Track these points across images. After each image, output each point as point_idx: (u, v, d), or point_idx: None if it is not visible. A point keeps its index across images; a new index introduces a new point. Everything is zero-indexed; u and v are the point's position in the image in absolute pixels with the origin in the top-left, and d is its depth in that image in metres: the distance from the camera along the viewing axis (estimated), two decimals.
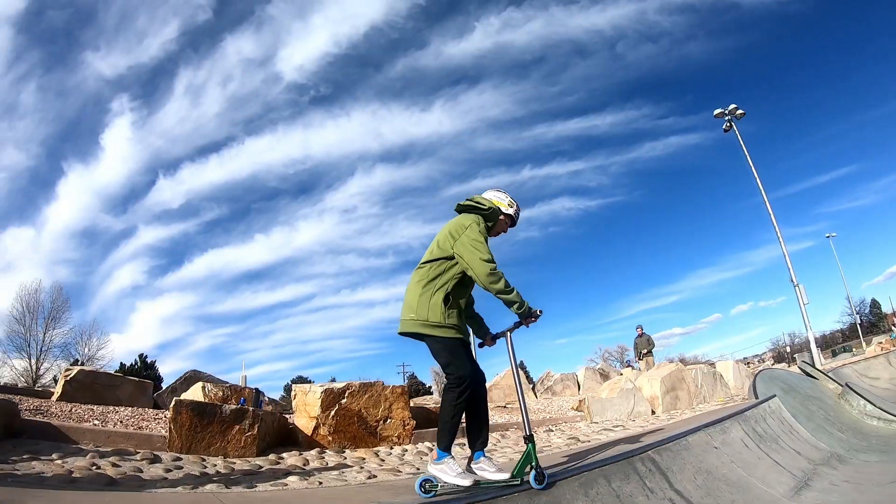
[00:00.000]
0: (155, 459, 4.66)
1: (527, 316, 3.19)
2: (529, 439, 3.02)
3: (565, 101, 67.84)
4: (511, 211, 3.42)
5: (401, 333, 3.23)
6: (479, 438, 3.26)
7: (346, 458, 5.85)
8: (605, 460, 3.72)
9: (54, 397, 8.33)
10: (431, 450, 6.41)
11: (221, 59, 53.36)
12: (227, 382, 11.09)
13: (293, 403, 7.04)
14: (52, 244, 45.85)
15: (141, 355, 35.44)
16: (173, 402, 5.41)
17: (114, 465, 4.16)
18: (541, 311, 3.22)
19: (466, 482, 2.91)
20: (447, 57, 61.05)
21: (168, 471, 4.28)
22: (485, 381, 3.43)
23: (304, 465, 5.31)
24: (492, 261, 3.07)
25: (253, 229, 61.01)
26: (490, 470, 3.08)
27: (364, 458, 5.85)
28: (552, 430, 8.21)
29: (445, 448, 3.03)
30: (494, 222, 3.39)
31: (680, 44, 64.03)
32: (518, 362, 3.49)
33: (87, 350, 30.62)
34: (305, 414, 6.72)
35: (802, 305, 18.11)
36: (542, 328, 71.87)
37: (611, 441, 5.78)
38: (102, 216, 49.86)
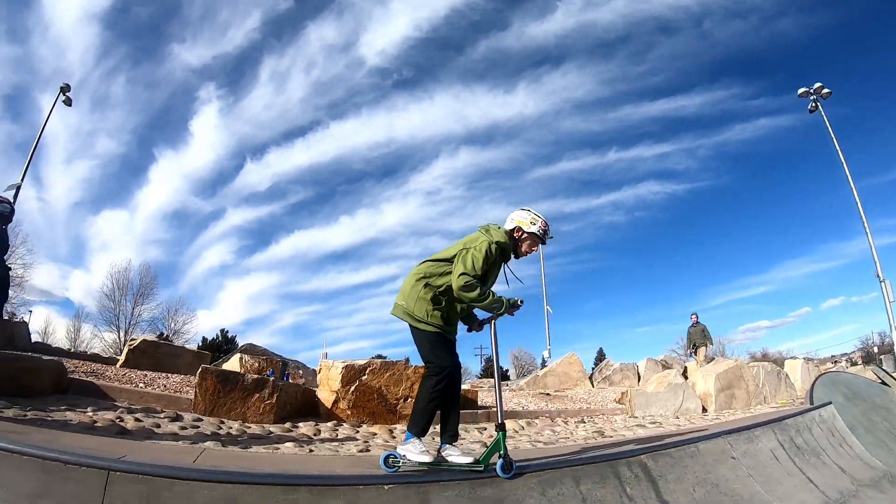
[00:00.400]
0: (176, 418, 5.28)
1: (509, 309, 3.37)
2: (500, 427, 3.18)
3: (651, 81, 64.76)
4: (534, 228, 3.47)
5: (392, 314, 3.50)
6: (449, 429, 3.42)
7: (358, 432, 6.26)
8: (584, 459, 3.67)
9: (119, 364, 9.45)
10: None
11: (304, 46, 55.95)
12: (279, 356, 12.01)
13: (318, 377, 7.58)
14: (144, 226, 50.70)
15: (222, 330, 38.54)
16: (200, 369, 6.07)
17: (136, 419, 4.80)
18: (521, 302, 3.40)
19: (427, 458, 3.13)
20: (529, 38, 60.34)
21: (183, 428, 4.86)
22: (460, 374, 3.63)
23: (315, 434, 5.77)
24: (471, 275, 3.23)
25: (338, 211, 64.29)
26: (455, 454, 3.25)
27: (375, 434, 6.23)
28: (583, 422, 8.20)
29: (417, 433, 3.25)
30: (506, 247, 3.46)
31: (770, 20, 58.87)
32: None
33: (173, 325, 33.96)
34: (328, 388, 7.23)
35: (888, 303, 16.67)
36: (624, 315, 69.96)
37: (631, 438, 5.68)
38: (192, 199, 54.58)
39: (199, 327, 38.43)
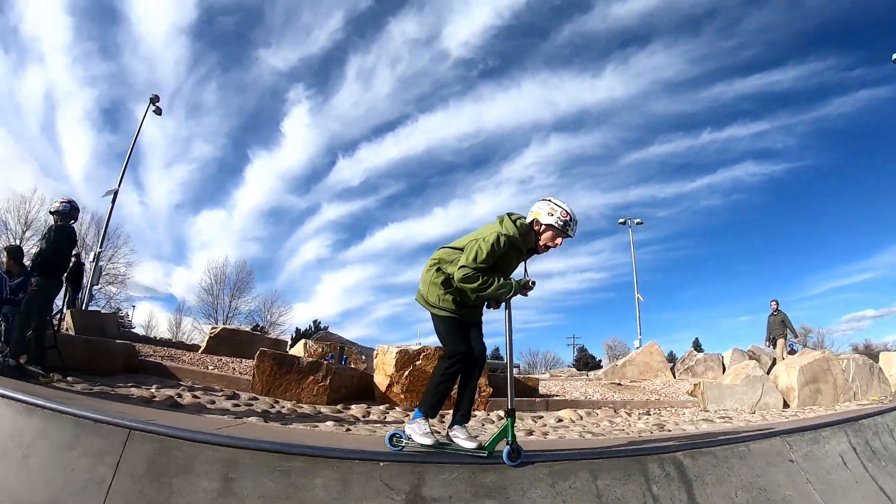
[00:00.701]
0: (233, 396, 5.79)
1: (521, 290, 3.35)
2: (510, 413, 3.16)
3: (742, 55, 59.95)
4: (552, 220, 3.29)
5: (416, 300, 3.60)
6: (461, 409, 3.45)
7: (408, 416, 6.48)
8: (608, 452, 3.50)
9: (200, 350, 10.39)
10: (501, 418, 6.86)
11: (388, 42, 57.67)
12: (355, 343, 12.64)
13: (374, 362, 7.93)
14: (242, 224, 54.82)
15: (315, 321, 41.16)
16: (258, 352, 6.58)
17: (193, 396, 5.33)
18: (533, 283, 3.38)
19: (428, 441, 3.16)
20: (613, 18, 58.25)
21: (236, 405, 5.32)
22: (483, 360, 3.57)
23: (364, 416, 6.07)
24: (471, 268, 3.21)
25: (431, 203, 66.03)
26: (461, 437, 3.26)
27: None
28: (648, 414, 7.91)
29: (425, 412, 3.29)
30: (515, 241, 3.33)
31: None
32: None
33: (269, 317, 36.76)
34: (382, 372, 7.55)
35: None
36: (722, 304, 66.05)
37: (688, 434, 5.36)
38: (287, 196, 58.20)
39: (296, 319, 41.42)
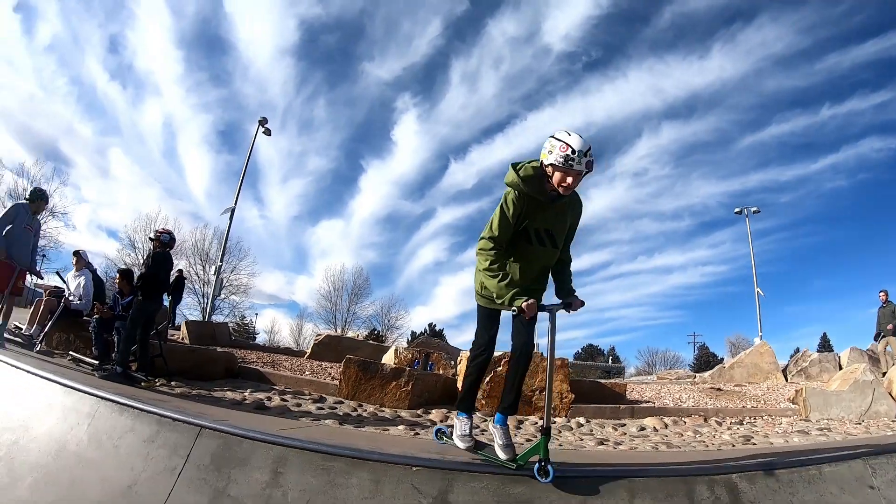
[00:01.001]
0: (319, 400, 6.34)
1: (506, 307, 3.04)
2: (545, 432, 3.00)
3: (855, 20, 53.19)
4: (552, 158, 2.92)
5: None
6: (503, 402, 3.36)
7: (485, 421, 6.65)
8: (653, 471, 3.32)
9: (305, 356, 11.33)
10: (581, 425, 6.80)
11: (489, 43, 58.78)
12: (458, 350, 13.06)
13: (458, 368, 8.18)
14: (360, 231, 58.62)
15: (430, 324, 42.95)
16: (345, 359, 7.11)
17: (281, 399, 5.93)
18: (523, 310, 2.89)
19: (462, 444, 3.24)
20: None
21: (319, 409, 5.84)
22: (524, 354, 3.32)
23: (441, 420, 6.33)
24: (487, 238, 3.05)
25: None
26: (498, 443, 3.16)
27: None
28: (740, 424, 7.29)
29: (463, 410, 3.37)
30: (521, 190, 3.04)
31: None
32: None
33: (386, 321, 38.85)
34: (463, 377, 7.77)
35: None
36: (855, 295, 58.54)
37: (774, 449, 4.93)
38: (402, 202, 61.33)
39: (413, 323, 43.23)
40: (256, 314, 41.72)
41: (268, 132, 21.43)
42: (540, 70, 57.33)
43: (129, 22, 48.87)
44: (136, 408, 3.37)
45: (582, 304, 3.23)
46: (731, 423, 7.25)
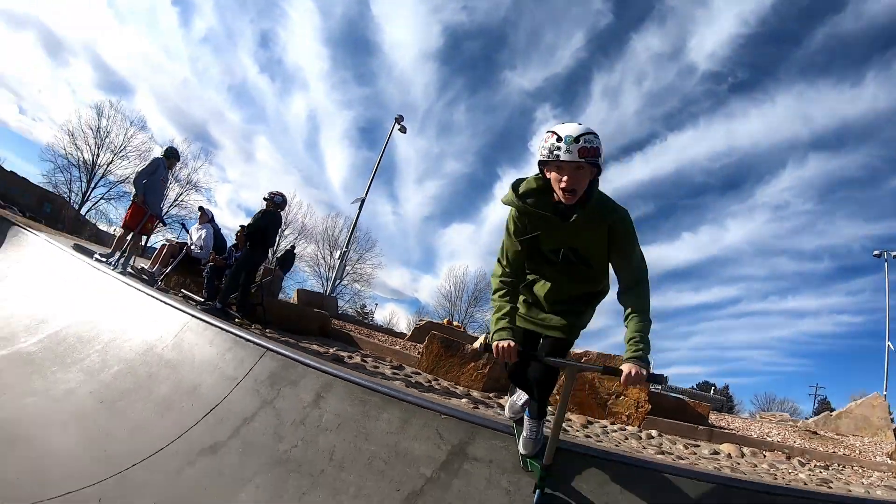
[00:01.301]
0: (398, 367, 6.72)
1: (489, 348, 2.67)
2: (545, 468, 2.76)
3: None
4: (541, 155, 2.49)
5: None
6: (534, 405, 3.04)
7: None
8: (683, 472, 2.99)
9: (406, 338, 11.93)
10: (652, 437, 6.46)
11: (632, 59, 57.08)
12: None
13: None
14: (489, 238, 59.09)
15: None
16: (429, 334, 7.46)
17: (362, 360, 6.38)
18: (486, 346, 2.67)
19: (508, 413, 3.27)
20: (870, 16, 48.02)
21: (395, 374, 6.21)
22: (546, 377, 2.88)
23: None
24: (497, 263, 2.85)
25: (680, 227, 63.26)
26: (524, 434, 3.00)
27: (570, 420, 6.43)
28: (826, 468, 6.34)
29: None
30: (518, 206, 2.68)
31: None
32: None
33: None
34: None
35: None
36: None
37: (843, 494, 4.36)
38: None
39: None
40: (377, 304, 44.06)
41: (403, 129, 22.56)
42: (684, 89, 54.41)
43: (280, 20, 54.33)
44: (218, 326, 3.95)
45: (640, 378, 2.43)
46: (815, 465, 6.42)
